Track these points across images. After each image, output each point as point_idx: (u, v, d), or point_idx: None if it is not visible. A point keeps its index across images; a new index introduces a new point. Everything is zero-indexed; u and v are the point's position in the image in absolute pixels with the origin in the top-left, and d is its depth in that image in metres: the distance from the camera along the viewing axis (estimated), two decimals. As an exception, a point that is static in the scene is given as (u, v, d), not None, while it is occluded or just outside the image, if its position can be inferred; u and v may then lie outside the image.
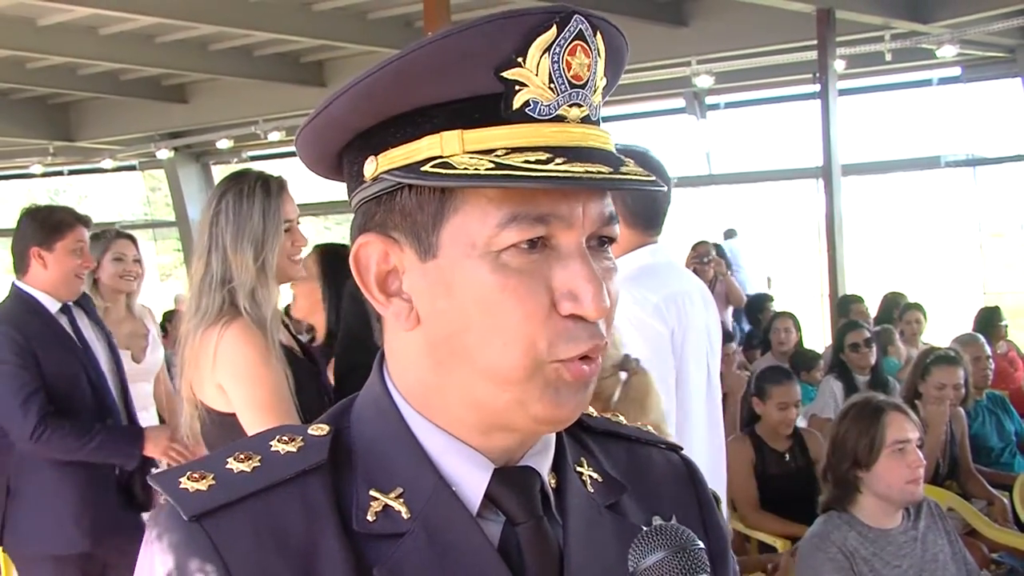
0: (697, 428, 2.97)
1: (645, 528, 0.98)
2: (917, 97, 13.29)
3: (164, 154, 15.34)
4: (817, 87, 9.63)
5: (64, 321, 3.92)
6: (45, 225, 3.94)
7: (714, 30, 10.51)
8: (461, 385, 0.98)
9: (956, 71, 11.89)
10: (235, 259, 2.82)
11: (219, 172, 16.60)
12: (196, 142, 15.52)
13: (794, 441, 5.31)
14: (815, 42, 9.43)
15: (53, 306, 3.90)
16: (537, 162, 0.92)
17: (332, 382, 3.35)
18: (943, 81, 12.18)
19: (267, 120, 13.27)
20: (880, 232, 14.99)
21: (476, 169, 0.92)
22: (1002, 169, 12.75)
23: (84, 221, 4.02)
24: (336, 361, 3.53)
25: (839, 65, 9.66)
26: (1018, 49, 10.90)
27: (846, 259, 9.54)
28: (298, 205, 3.00)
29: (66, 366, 3.83)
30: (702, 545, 0.96)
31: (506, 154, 0.93)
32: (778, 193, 14.85)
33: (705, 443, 3.02)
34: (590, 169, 0.92)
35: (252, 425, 2.69)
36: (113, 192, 19.93)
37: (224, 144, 14.16)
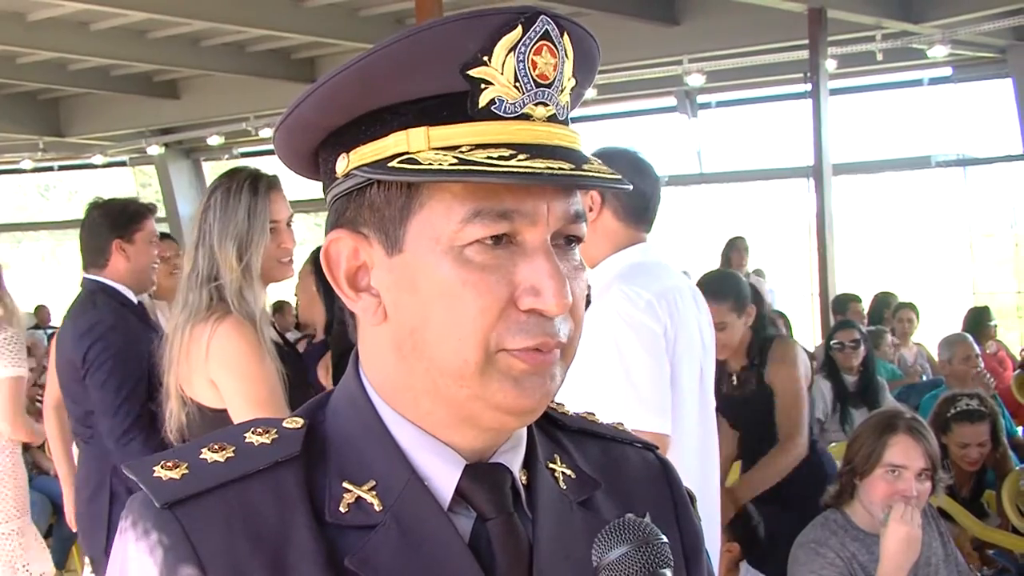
0: (688, 428, 2.92)
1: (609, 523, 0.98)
2: (908, 97, 13.33)
3: (155, 150, 15.32)
4: (808, 86, 9.66)
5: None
6: (123, 216, 3.83)
7: (706, 29, 10.53)
8: (425, 380, 0.99)
9: (947, 71, 11.92)
10: (221, 256, 2.80)
11: (210, 168, 16.58)
12: (187, 138, 15.51)
13: (756, 361, 4.52)
14: (806, 41, 9.46)
15: (134, 299, 3.81)
16: (500, 158, 0.93)
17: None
18: (934, 81, 12.22)
19: (258, 116, 13.26)
20: (870, 232, 15.02)
21: (440, 164, 0.93)
22: (992, 169, 12.79)
23: (153, 210, 3.96)
24: (331, 348, 3.55)
25: (830, 64, 9.68)
26: (1008, 49, 10.92)
27: (836, 258, 9.56)
28: (288, 202, 2.96)
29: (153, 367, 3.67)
30: (665, 540, 0.96)
31: (470, 150, 0.94)
32: (769, 192, 14.87)
33: (696, 444, 2.97)
34: (551, 165, 0.94)
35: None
36: (103, 188, 19.88)
37: (215, 140, 14.16)
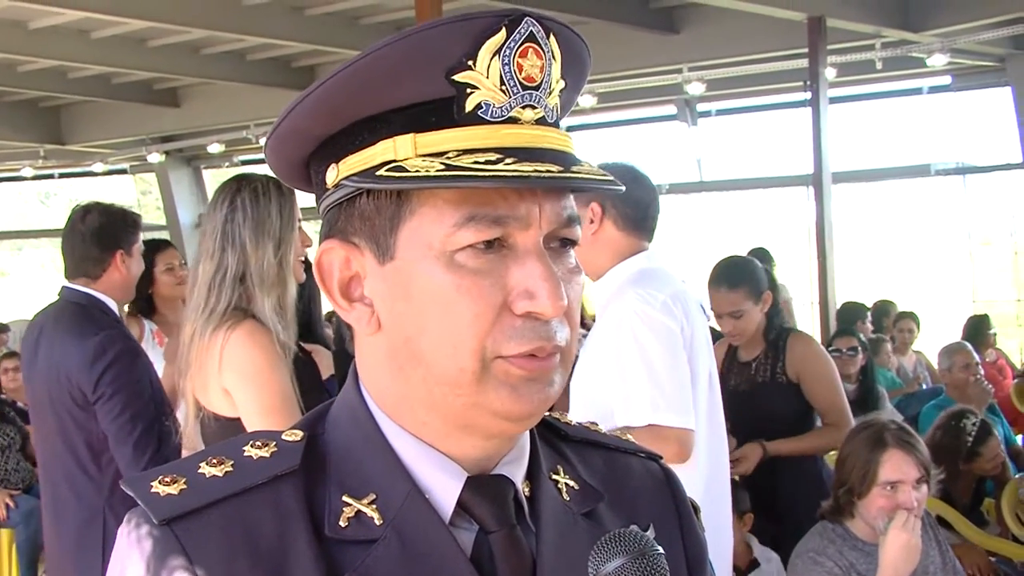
0: (699, 427, 2.94)
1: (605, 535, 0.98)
2: (907, 105, 13.32)
3: (155, 158, 15.28)
4: (808, 95, 9.64)
5: None
6: (125, 224, 3.58)
7: (706, 37, 10.52)
8: (420, 389, 0.98)
9: (946, 80, 11.91)
10: (255, 255, 2.77)
11: (210, 176, 16.57)
12: (187, 146, 15.47)
13: (772, 352, 4.35)
14: (806, 50, 9.44)
15: (119, 315, 3.56)
16: (487, 162, 0.93)
17: None
18: (933, 90, 12.20)
19: (259, 124, 13.23)
20: (870, 240, 15.03)
21: (426, 171, 0.93)
22: (992, 178, 12.77)
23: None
24: (337, 368, 3.54)
25: (830, 73, 9.67)
26: (1008, 58, 10.93)
27: (836, 267, 9.55)
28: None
29: (158, 385, 3.51)
30: (661, 551, 0.96)
31: (457, 156, 0.94)
32: (769, 200, 14.87)
33: (705, 444, 2.99)
34: (539, 168, 0.93)
35: (258, 429, 2.63)
36: (104, 195, 19.84)
37: (216, 148, 14.13)
